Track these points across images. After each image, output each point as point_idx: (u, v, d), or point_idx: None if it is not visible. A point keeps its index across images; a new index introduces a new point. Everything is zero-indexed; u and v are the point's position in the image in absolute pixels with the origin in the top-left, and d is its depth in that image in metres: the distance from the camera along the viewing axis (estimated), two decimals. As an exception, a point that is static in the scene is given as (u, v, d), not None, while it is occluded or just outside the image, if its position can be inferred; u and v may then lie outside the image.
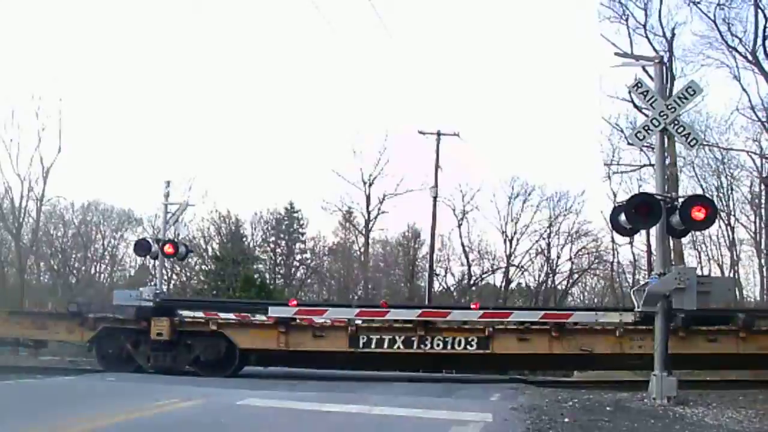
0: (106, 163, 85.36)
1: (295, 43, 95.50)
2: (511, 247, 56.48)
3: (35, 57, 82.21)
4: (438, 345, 21.39)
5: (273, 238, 62.19)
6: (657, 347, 15.74)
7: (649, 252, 41.04)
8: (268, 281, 53.31)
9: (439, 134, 44.11)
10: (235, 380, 20.32)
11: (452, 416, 12.02)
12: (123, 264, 62.72)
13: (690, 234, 29.44)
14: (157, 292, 25.90)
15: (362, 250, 59.91)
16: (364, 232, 59.29)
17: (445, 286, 57.95)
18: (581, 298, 63.01)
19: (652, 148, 21.26)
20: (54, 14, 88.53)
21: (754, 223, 43.15)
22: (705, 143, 37.74)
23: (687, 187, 40.53)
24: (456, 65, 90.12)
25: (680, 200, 15.94)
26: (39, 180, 48.59)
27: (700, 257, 46.69)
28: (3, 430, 9.29)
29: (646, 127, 16.19)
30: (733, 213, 43.53)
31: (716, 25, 34.98)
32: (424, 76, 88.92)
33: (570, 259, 57.18)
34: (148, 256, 29.06)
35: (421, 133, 44.36)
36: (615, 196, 45.06)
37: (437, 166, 43.97)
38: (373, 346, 21.52)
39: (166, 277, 47.57)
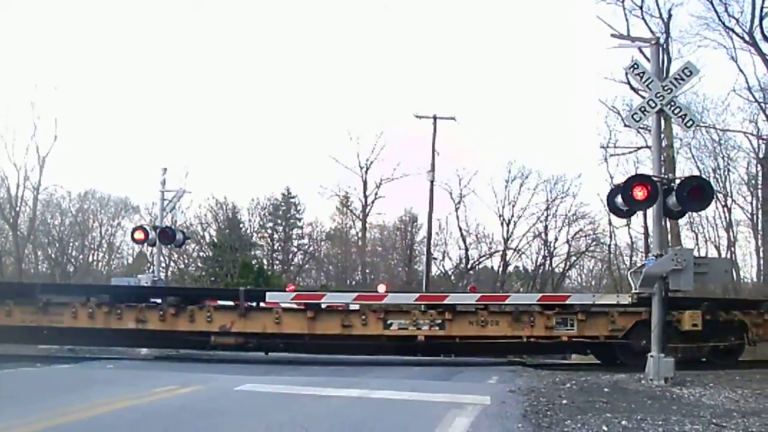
0: (102, 152, 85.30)
1: (290, 28, 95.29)
2: (508, 230, 56.46)
3: (31, 46, 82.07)
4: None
5: (270, 224, 62.26)
6: (654, 328, 15.80)
7: (647, 234, 40.99)
8: (266, 267, 53.32)
9: (435, 118, 43.99)
10: (234, 366, 20.35)
11: (451, 399, 12.05)
12: (121, 252, 62.87)
13: (687, 215, 29.48)
14: (155, 279, 26.01)
15: (359, 234, 60.04)
16: (361, 216, 59.49)
17: (443, 270, 58.00)
18: (579, 280, 63.12)
19: (649, 130, 21.28)
20: (49, 3, 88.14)
21: (751, 204, 43.06)
22: (701, 124, 37.67)
23: (684, 168, 40.48)
24: (452, 49, 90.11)
25: (677, 181, 15.98)
26: (35, 169, 48.78)
27: (697, 239, 46.61)
28: (1, 417, 9.30)
29: (643, 109, 16.19)
30: (729, 194, 43.35)
31: (713, 5, 34.99)
32: (420, 59, 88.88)
33: (567, 241, 57.14)
34: (145, 244, 29.17)
35: (417, 117, 44.26)
36: (612, 178, 45.05)
37: (434, 151, 43.88)
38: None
39: (163, 265, 47.64)
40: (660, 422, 9.91)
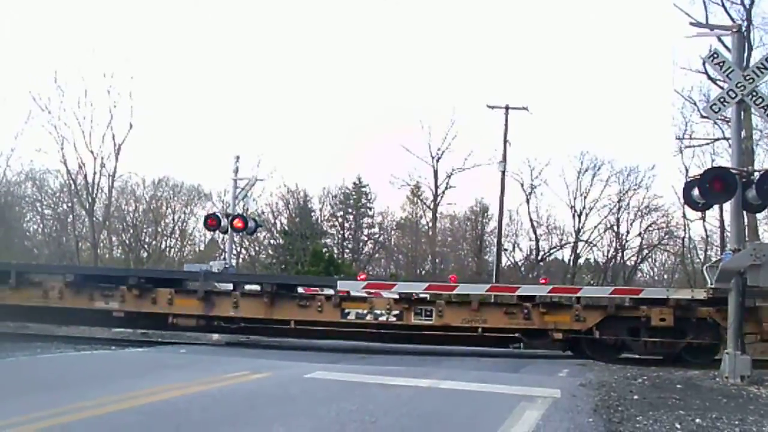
0: (176, 140, 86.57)
1: (363, 17, 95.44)
2: (579, 222, 55.78)
3: (107, 35, 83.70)
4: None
5: (341, 213, 62.66)
6: (731, 325, 15.44)
7: (722, 227, 40.14)
8: (336, 256, 53.62)
9: (507, 108, 43.69)
10: (303, 353, 20.50)
11: (521, 392, 11.95)
12: (193, 238, 63.61)
13: (766, 209, 28.77)
14: (226, 266, 26.35)
15: (430, 224, 59.93)
16: (431, 206, 59.35)
17: (513, 261, 57.59)
18: (651, 274, 62.10)
19: (727, 121, 20.71)
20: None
21: (835, 197, 41.71)
22: (785, 115, 36.56)
23: (763, 160, 39.36)
24: (525, 38, 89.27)
25: (756, 174, 15.55)
26: (111, 156, 49.79)
27: (775, 233, 45.44)
28: (74, 399, 9.52)
29: (722, 99, 15.78)
30: (812, 188, 42.11)
31: (800, -11, 33.92)
32: (492, 49, 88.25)
33: (640, 234, 56.18)
34: (217, 231, 29.56)
35: (489, 107, 43.99)
36: (687, 170, 44.15)
37: (505, 141, 43.57)
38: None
39: (234, 252, 48.26)
40: (736, 422, 9.67)
